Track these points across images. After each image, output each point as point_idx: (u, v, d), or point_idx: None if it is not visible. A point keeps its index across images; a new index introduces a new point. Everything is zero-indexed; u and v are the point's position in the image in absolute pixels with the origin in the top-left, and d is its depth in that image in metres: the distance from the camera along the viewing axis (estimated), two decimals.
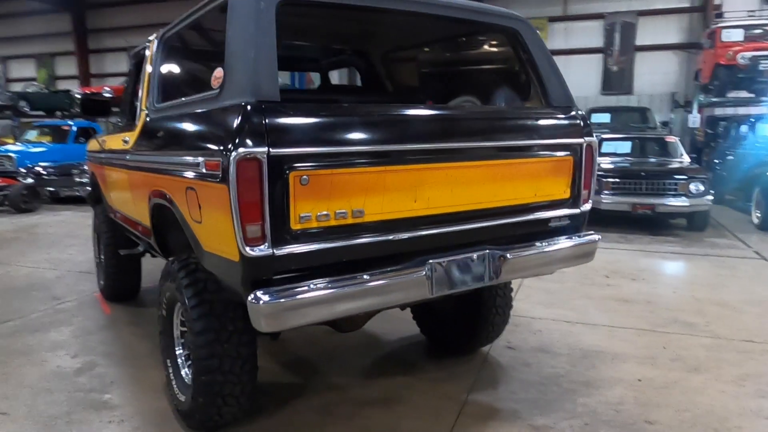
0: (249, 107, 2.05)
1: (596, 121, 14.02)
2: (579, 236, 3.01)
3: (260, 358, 3.73)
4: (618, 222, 8.41)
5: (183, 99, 2.78)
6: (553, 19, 16.62)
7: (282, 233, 2.09)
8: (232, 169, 1.98)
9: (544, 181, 2.85)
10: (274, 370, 3.65)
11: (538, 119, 2.89)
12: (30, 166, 11.73)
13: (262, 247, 2.06)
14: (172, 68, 3.28)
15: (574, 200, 3.00)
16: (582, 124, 2.98)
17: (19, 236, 8.21)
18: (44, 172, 11.56)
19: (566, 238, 2.95)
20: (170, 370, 3.00)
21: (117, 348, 3.98)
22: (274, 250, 2.08)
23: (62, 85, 21.16)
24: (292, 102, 2.22)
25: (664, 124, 14.90)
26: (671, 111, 15.48)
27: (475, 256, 2.60)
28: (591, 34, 16.32)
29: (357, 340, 4.09)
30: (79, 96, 17.76)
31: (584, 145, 2.97)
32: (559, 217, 2.95)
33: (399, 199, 2.36)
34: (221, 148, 2.05)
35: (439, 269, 2.47)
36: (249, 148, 1.99)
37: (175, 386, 2.93)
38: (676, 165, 8.45)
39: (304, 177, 2.11)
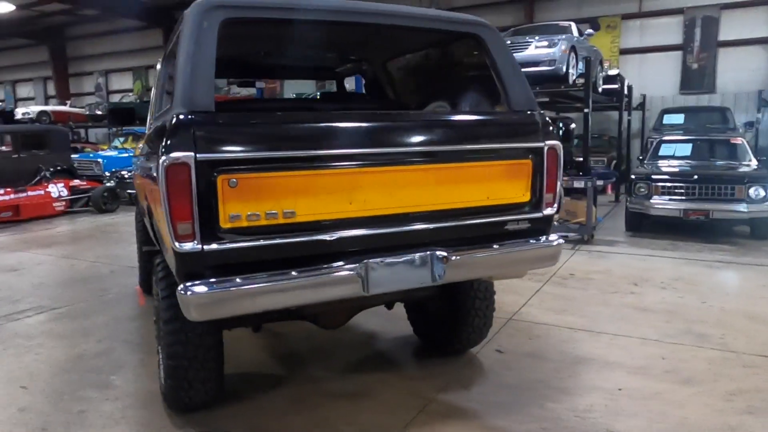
0: (180, 117, 2.29)
1: (669, 122, 13.34)
2: (538, 239, 3.00)
3: (255, 349, 4.03)
4: (672, 228, 7.99)
5: (161, 110, 3.08)
6: (627, 17, 15.95)
7: (212, 231, 2.30)
8: (161, 172, 2.22)
9: (497, 184, 2.87)
10: (264, 361, 3.89)
11: (487, 123, 2.93)
12: (115, 170, 12.86)
13: (192, 243, 2.28)
14: (168, 81, 3.60)
15: (535, 204, 2.99)
16: (542, 127, 2.98)
17: (93, 234, 9.07)
18: (127, 176, 12.62)
19: (524, 241, 2.96)
20: (160, 356, 3.30)
21: (137, 336, 4.38)
22: (204, 247, 2.29)
23: None
24: (247, 111, 2.43)
25: (749, 124, 13.87)
26: (758, 110, 14.37)
27: (417, 256, 2.69)
28: (669, 30, 15.49)
29: (352, 337, 4.25)
30: None
31: (545, 148, 2.96)
32: (518, 220, 2.97)
33: (332, 200, 2.50)
34: (158, 154, 2.30)
35: (376, 268, 2.59)
36: (176, 153, 2.21)
37: (161, 370, 3.23)
38: (736, 168, 7.91)
39: (233, 180, 2.31)
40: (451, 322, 3.67)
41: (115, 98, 23.36)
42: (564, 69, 8.50)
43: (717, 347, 3.96)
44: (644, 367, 3.65)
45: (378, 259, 2.60)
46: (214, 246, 2.32)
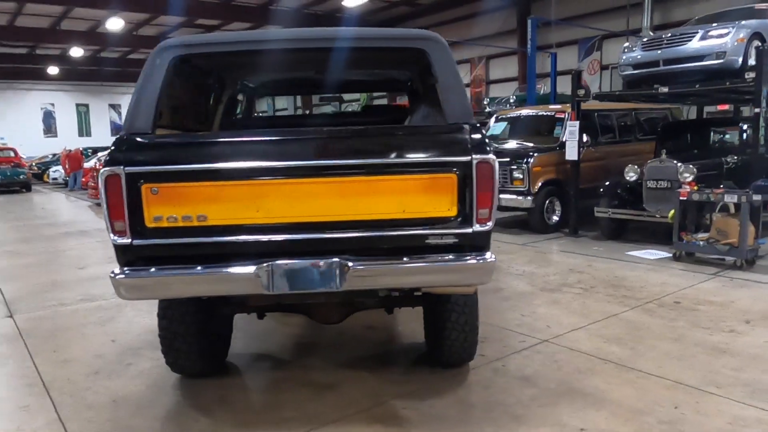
0: (118, 138, 2.91)
1: None
2: (462, 256, 2.92)
3: (283, 336, 4.55)
4: None
5: None
6: None
7: (139, 229, 2.87)
8: (101, 182, 2.86)
9: (415, 198, 2.89)
10: (284, 346, 4.40)
11: (401, 137, 2.95)
12: None
13: (124, 238, 2.88)
14: None
15: (463, 219, 2.92)
16: (470, 141, 2.89)
17: None
18: None
19: (440, 256, 2.92)
20: None
21: None
22: (133, 241, 2.88)
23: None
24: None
25: None
26: None
27: (321, 263, 2.89)
28: None
29: (377, 335, 4.50)
30: None
31: (473, 162, 2.87)
32: (441, 235, 2.93)
33: (240, 208, 2.87)
34: None
35: (278, 270, 2.88)
36: (111, 167, 2.84)
37: None
38: None
39: (154, 188, 2.84)
40: (432, 334, 3.69)
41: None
42: (740, 61, 7.20)
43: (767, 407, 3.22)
44: (640, 412, 3.19)
45: (282, 262, 2.89)
46: (141, 241, 2.89)
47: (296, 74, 4.35)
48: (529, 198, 8.65)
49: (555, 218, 9.03)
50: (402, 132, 3.05)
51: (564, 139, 8.66)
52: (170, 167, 2.86)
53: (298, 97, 25.19)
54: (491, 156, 2.89)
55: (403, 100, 17.07)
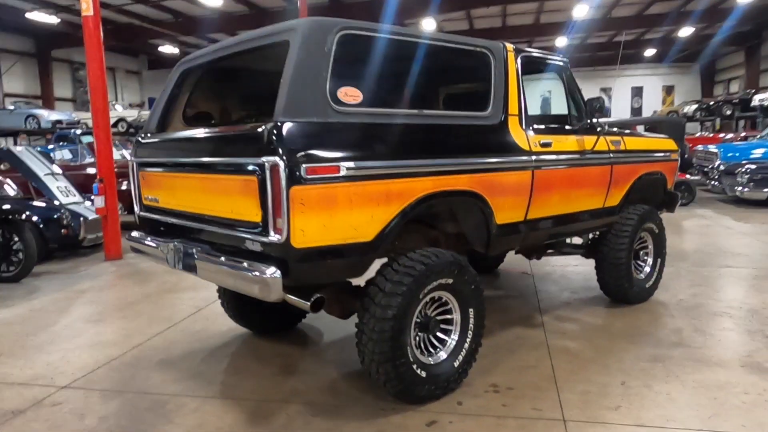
0: (135, 137, 3.93)
1: None
2: (251, 264, 2.69)
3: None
4: None
5: None
6: None
7: (141, 204, 3.84)
8: (129, 168, 3.95)
9: (235, 200, 2.83)
10: (331, 333, 4.55)
11: (217, 136, 2.90)
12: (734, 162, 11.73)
13: (137, 209, 3.92)
14: None
15: (264, 227, 2.67)
16: (266, 142, 2.57)
17: None
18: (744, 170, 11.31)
19: (234, 261, 2.83)
20: None
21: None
22: (141, 213, 3.88)
23: None
24: None
25: None
26: None
27: (192, 250, 3.18)
28: None
29: None
30: None
31: (266, 165, 2.58)
32: (252, 240, 2.76)
33: (166, 194, 3.46)
34: None
35: (170, 250, 3.31)
36: (132, 157, 3.89)
37: None
38: None
39: (144, 175, 3.77)
40: None
41: None
42: None
43: None
44: None
45: (174, 243, 3.31)
46: (143, 213, 3.87)
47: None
48: None
49: None
50: (226, 132, 2.98)
51: None
52: (142, 159, 3.73)
53: None
54: (279, 162, 2.54)
55: None
